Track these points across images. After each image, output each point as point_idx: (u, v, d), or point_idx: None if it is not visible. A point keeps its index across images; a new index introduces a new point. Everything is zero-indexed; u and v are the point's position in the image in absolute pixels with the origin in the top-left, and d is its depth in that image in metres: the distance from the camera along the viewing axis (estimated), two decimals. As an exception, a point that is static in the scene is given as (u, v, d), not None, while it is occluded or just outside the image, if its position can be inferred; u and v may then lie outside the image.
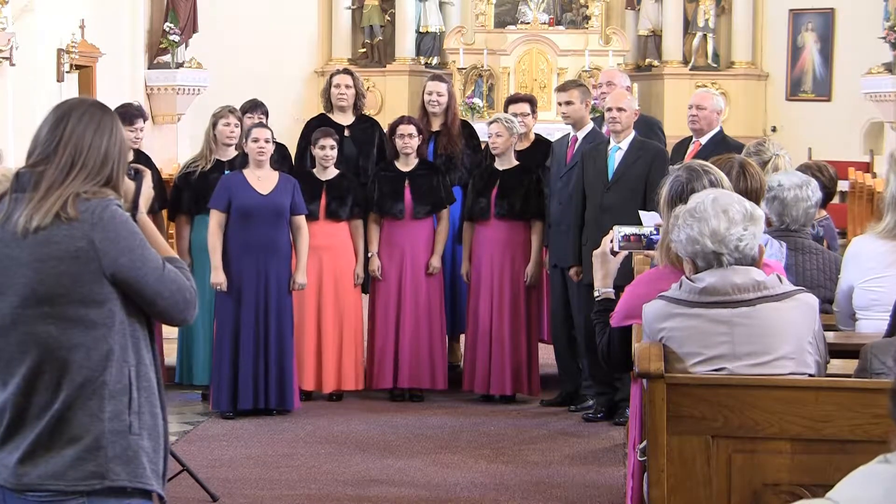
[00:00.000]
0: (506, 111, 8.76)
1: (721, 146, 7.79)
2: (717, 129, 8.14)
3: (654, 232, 4.43)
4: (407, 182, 8.35)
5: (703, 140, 8.08)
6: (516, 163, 8.38)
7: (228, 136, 8.33)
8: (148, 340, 3.35)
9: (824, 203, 6.19)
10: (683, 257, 3.89)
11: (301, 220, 8.00)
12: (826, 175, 6.21)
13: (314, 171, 8.38)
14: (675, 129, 8.29)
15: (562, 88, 8.44)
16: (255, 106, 8.75)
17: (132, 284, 3.24)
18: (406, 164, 8.39)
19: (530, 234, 8.36)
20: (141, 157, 8.43)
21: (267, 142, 7.92)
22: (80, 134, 3.27)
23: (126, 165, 3.36)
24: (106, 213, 3.22)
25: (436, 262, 8.38)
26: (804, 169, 6.04)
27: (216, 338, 7.90)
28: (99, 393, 3.22)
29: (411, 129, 8.35)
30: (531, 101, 8.92)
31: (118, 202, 3.28)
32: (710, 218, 3.80)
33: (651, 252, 4.51)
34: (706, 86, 16.37)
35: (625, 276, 4.80)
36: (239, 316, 7.86)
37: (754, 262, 3.84)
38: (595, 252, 4.56)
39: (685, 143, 8.30)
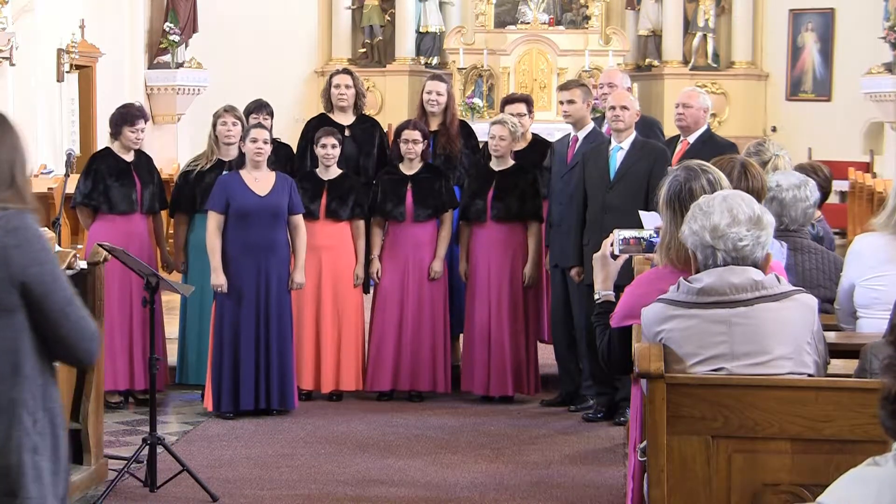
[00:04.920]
0: (502, 111, 8.76)
1: (709, 144, 7.80)
2: (704, 128, 8.13)
3: (654, 235, 4.43)
4: (409, 185, 8.36)
5: (691, 139, 8.08)
6: (512, 163, 8.38)
7: (226, 135, 8.33)
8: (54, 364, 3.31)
9: (820, 203, 6.20)
10: (689, 251, 3.91)
11: (299, 219, 8.00)
12: (821, 175, 6.21)
13: (316, 170, 8.39)
14: (675, 129, 8.28)
15: (564, 87, 8.42)
16: (259, 107, 8.74)
17: (39, 299, 3.19)
18: (409, 168, 8.39)
19: (527, 235, 8.36)
20: (142, 157, 8.45)
21: (265, 143, 7.90)
22: None
23: (24, 168, 3.28)
24: (21, 223, 3.19)
25: (438, 266, 8.37)
26: (798, 170, 6.04)
27: (214, 339, 7.89)
28: (9, 410, 3.19)
29: (416, 134, 8.34)
30: (528, 102, 8.92)
31: (35, 217, 3.25)
32: (714, 213, 3.82)
33: (651, 255, 4.51)
34: (706, 86, 16.39)
35: (625, 275, 4.80)
36: (239, 317, 7.85)
37: (756, 266, 3.83)
38: (595, 255, 4.56)
39: (672, 142, 8.30)
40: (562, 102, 8.36)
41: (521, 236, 8.37)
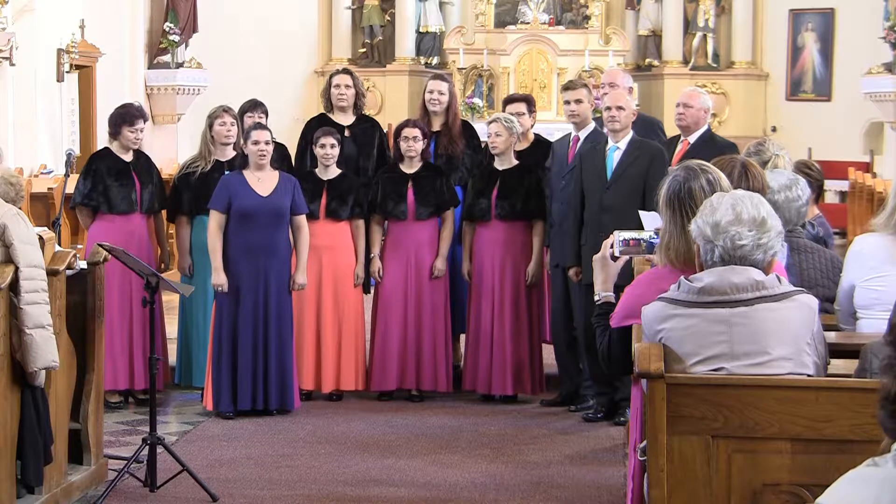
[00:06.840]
0: (503, 111, 8.75)
1: (709, 144, 7.80)
2: (704, 128, 8.14)
3: (654, 236, 4.43)
4: (410, 184, 8.36)
5: (692, 139, 8.09)
6: (516, 162, 8.38)
7: (225, 135, 8.33)
8: None
9: (815, 200, 6.20)
10: (695, 246, 3.92)
11: (302, 219, 8.00)
12: (814, 172, 6.23)
13: (316, 170, 8.39)
14: (675, 129, 8.28)
15: (570, 87, 8.38)
16: (254, 105, 8.76)
17: None
18: (410, 167, 8.40)
19: (531, 234, 8.36)
20: (141, 157, 8.44)
21: (267, 143, 7.90)
22: None
23: None
24: None
25: (440, 264, 8.37)
26: (793, 168, 6.04)
27: (214, 339, 7.89)
28: None
29: (416, 132, 8.34)
30: (528, 101, 8.91)
31: None
32: (718, 209, 3.83)
33: (651, 256, 4.51)
34: (706, 86, 16.40)
35: (626, 276, 4.80)
36: (238, 316, 7.85)
37: (756, 268, 3.83)
38: (595, 256, 4.56)
39: (673, 141, 8.30)
40: (568, 102, 8.31)
41: (524, 235, 8.36)
